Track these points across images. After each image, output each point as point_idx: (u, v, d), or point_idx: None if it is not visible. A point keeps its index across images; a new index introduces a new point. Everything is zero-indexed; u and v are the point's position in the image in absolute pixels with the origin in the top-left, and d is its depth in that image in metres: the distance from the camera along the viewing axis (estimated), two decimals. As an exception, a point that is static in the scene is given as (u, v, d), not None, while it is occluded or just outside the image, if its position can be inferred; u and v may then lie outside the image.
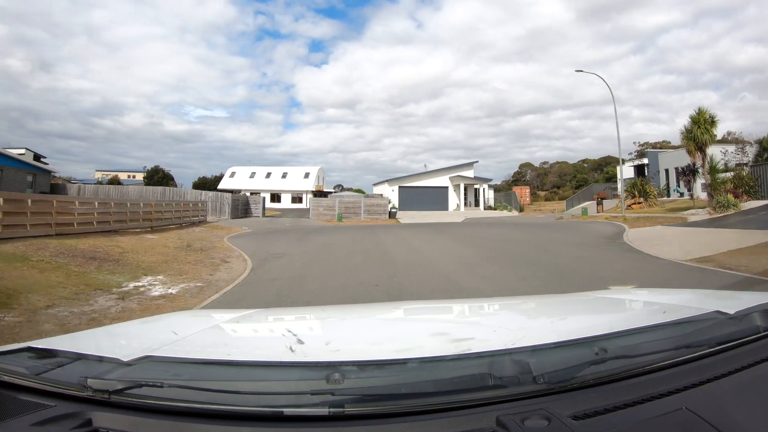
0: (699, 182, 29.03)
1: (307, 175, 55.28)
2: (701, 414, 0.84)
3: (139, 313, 6.06)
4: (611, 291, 2.49)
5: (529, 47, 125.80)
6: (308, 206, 38.06)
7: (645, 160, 43.03)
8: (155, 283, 8.36)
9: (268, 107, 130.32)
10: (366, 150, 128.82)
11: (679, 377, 0.98)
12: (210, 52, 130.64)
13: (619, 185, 43.57)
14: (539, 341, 1.09)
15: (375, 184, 52.81)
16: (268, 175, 56.13)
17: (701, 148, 24.96)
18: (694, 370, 1.01)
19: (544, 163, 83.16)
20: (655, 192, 33.63)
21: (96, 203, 14.19)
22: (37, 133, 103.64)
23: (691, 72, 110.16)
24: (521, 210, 43.46)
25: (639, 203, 31.90)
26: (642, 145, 65.01)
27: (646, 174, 39.15)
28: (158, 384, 0.88)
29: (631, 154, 65.25)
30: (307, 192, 52.04)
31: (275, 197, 53.13)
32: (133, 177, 61.67)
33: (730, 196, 21.44)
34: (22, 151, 41.18)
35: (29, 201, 11.79)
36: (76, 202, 13.34)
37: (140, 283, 8.28)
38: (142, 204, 17.02)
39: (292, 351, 1.15)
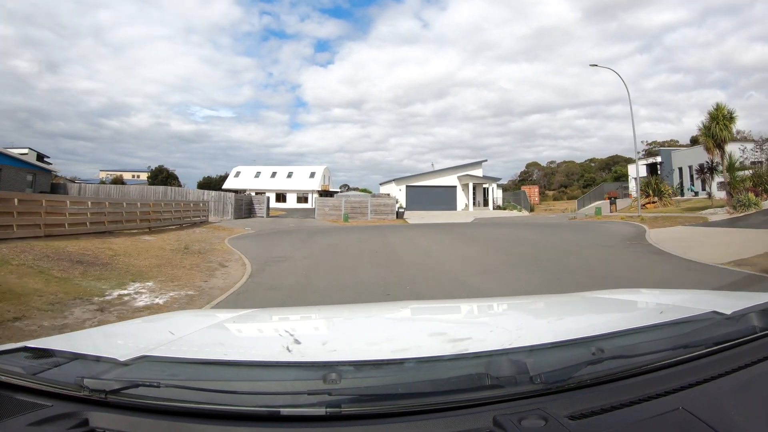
0: (715, 181, 28.33)
1: (312, 175, 54.49)
2: (698, 414, 0.84)
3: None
4: (608, 291, 2.35)
5: (535, 47, 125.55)
6: (314, 206, 37.23)
7: (658, 159, 41.89)
8: (142, 291, 7.57)
9: (274, 107, 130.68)
10: (372, 150, 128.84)
11: (676, 377, 0.98)
12: (216, 52, 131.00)
13: (632, 184, 43.02)
14: (536, 341, 1.08)
15: (382, 184, 51.97)
16: (274, 174, 55.41)
17: (720, 145, 24.15)
18: (691, 371, 1.01)
19: (551, 162, 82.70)
20: (670, 191, 32.76)
21: (89, 203, 13.42)
22: (44, 134, 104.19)
23: (697, 71, 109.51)
24: (531, 210, 42.42)
25: (653, 203, 30.91)
26: (650, 144, 65.08)
27: (659, 173, 38.07)
28: (155, 384, 0.87)
29: (638, 153, 64.46)
30: (312, 192, 51.25)
31: (280, 197, 52.44)
32: (137, 177, 61.28)
33: (751, 195, 20.67)
34: (25, 150, 40.89)
35: (16, 200, 11.05)
36: (67, 202, 12.59)
37: (126, 291, 7.49)
38: (139, 204, 16.24)
39: (289, 351, 1.14)
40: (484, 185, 43.51)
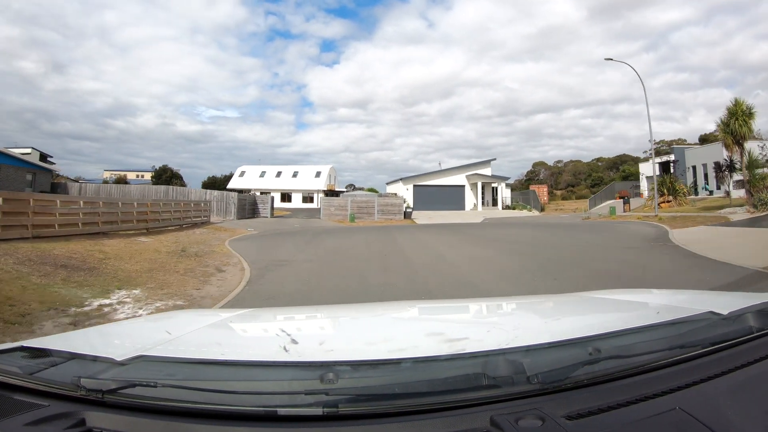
0: (731, 179, 27.49)
1: (318, 174, 53.75)
2: (695, 414, 0.84)
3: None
4: (605, 291, 2.20)
5: (541, 46, 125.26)
6: (319, 206, 36.45)
7: (671, 157, 40.72)
8: (127, 300, 6.81)
9: (280, 107, 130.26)
10: (378, 150, 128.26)
11: (673, 377, 0.97)
12: (221, 52, 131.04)
13: (643, 183, 42.22)
14: (533, 341, 1.09)
15: (388, 183, 51.10)
16: (279, 174, 54.73)
17: (739, 142, 23.29)
18: (687, 371, 1.01)
19: (558, 161, 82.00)
20: (685, 190, 31.83)
21: (81, 202, 12.69)
22: (50, 134, 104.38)
23: (704, 69, 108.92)
24: (542, 210, 41.40)
25: (668, 202, 29.99)
26: (658, 143, 64.49)
27: (672, 171, 37.00)
28: (152, 384, 0.87)
29: (645, 152, 64.39)
30: (318, 191, 50.52)
31: (285, 197, 51.78)
32: (142, 177, 60.81)
33: (773, 193, 19.75)
34: (28, 150, 40.53)
35: (0, 199, 10.33)
36: (57, 201, 11.87)
37: (108, 301, 6.73)
38: (135, 204, 15.50)
39: (287, 351, 1.14)
40: (493, 184, 42.58)
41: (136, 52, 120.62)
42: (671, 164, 38.97)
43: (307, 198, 51.87)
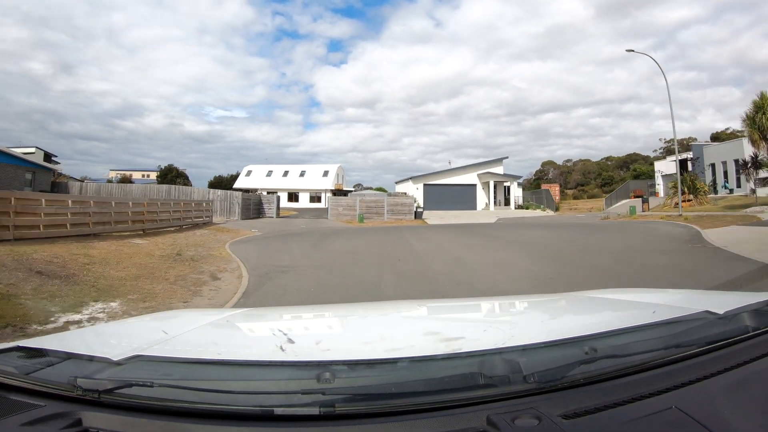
0: (756, 176, 26.33)
1: (326, 174, 52.75)
2: (691, 413, 0.84)
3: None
4: (601, 291, 2.13)
5: (548, 45, 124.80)
6: (327, 206, 35.41)
7: (689, 154, 39.19)
8: (100, 315, 5.81)
9: (288, 107, 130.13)
10: (385, 149, 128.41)
11: (669, 377, 0.97)
12: (228, 53, 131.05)
13: (659, 181, 40.80)
14: (529, 341, 1.08)
15: (398, 182, 49.95)
16: (286, 173, 53.81)
17: (767, 137, 22.12)
18: (683, 370, 1.00)
19: (568, 160, 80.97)
20: (706, 188, 30.54)
21: (69, 202, 11.73)
22: (59, 135, 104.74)
23: (712, 68, 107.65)
24: (556, 209, 40.03)
25: (688, 201, 28.64)
26: (669, 141, 63.69)
27: (690, 169, 35.58)
28: (148, 383, 0.87)
29: (656, 151, 63.80)
30: (325, 191, 49.52)
31: (293, 196, 50.87)
32: (147, 176, 60.24)
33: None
34: (32, 149, 39.91)
35: (-23, 199, 9.40)
36: (43, 200, 10.92)
37: (78, 316, 5.74)
38: (131, 203, 14.51)
39: (283, 350, 1.14)
40: (505, 183, 41.36)
41: (144, 52, 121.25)
42: (689, 162, 37.49)
43: (315, 198, 50.91)
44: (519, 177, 44.89)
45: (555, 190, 53.53)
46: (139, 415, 0.85)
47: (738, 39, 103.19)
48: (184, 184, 43.91)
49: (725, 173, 34.77)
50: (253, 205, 29.17)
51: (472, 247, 12.61)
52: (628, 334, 1.13)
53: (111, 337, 1.47)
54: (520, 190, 44.42)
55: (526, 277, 7.90)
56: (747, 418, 0.84)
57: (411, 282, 7.67)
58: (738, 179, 32.62)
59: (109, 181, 50.60)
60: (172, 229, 16.67)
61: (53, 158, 44.49)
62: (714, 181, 34.92)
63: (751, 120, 22.11)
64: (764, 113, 21.64)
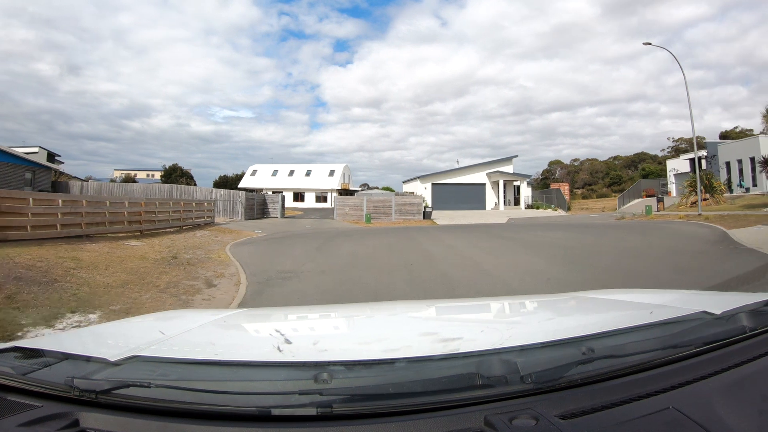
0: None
1: (332, 173, 52.01)
2: (688, 413, 0.84)
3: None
4: (598, 291, 2.11)
5: (555, 44, 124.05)
6: (333, 206, 34.61)
7: (704, 152, 38.10)
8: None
9: (294, 107, 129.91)
10: (391, 149, 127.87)
11: (666, 377, 0.97)
12: (235, 53, 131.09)
13: (671, 180, 39.74)
14: (527, 341, 1.08)
15: (405, 182, 49.11)
16: (291, 173, 53.13)
17: (789, 133, 21.18)
18: (680, 370, 1.00)
19: (575, 160, 79.73)
20: (723, 187, 29.55)
21: (60, 201, 10.97)
22: (67, 136, 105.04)
23: (719, 67, 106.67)
24: (568, 209, 38.99)
25: (705, 199, 27.56)
26: (676, 140, 63.92)
27: (705, 167, 34.53)
28: (145, 384, 0.86)
29: (663, 150, 62.96)
30: (332, 190, 48.80)
31: (298, 196, 50.18)
32: (152, 176, 59.79)
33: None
34: (35, 149, 39.49)
35: (-46, 198, 8.68)
36: (30, 200, 10.18)
37: (50, 330, 5.02)
38: (127, 203, 13.72)
39: (280, 351, 1.13)
40: (515, 183, 40.42)
41: (151, 53, 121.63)
42: (704, 160, 36.43)
43: (321, 197, 50.20)
44: (529, 176, 43.92)
45: (565, 189, 52.49)
46: (137, 415, 0.84)
47: (745, 37, 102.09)
48: (188, 184, 43.28)
49: (740, 171, 33.78)
50: (257, 205, 28.41)
51: (491, 251, 11.75)
52: (626, 334, 1.13)
53: (108, 338, 1.45)
54: (530, 189, 43.46)
55: (559, 287, 7.03)
56: (744, 418, 0.84)
57: (427, 292, 6.84)
58: (754, 177, 31.65)
59: (113, 180, 50.16)
60: (171, 230, 15.91)
61: (57, 158, 44.07)
62: (729, 180, 33.96)
63: (770, 115, 21.14)
64: (789, 108, 20.67)
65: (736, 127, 59.10)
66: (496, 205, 39.36)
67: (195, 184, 47.22)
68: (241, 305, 6.22)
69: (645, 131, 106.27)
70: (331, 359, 1.04)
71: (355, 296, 6.67)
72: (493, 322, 1.76)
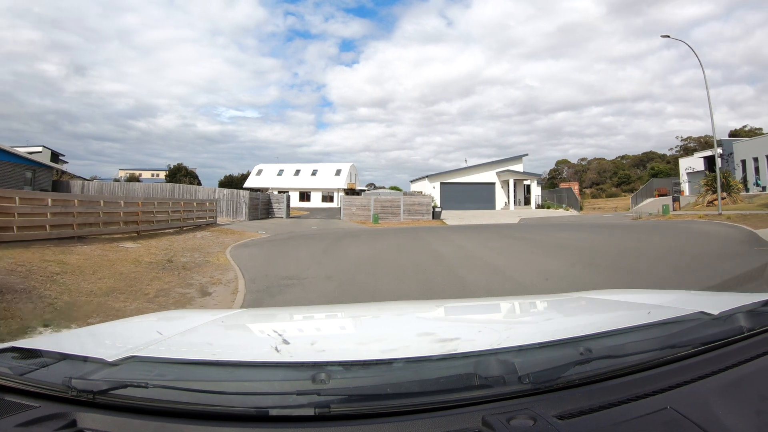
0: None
1: (338, 173, 51.29)
2: (686, 413, 0.83)
3: None
4: (597, 292, 2.09)
5: (560, 43, 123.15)
6: (339, 205, 33.89)
7: (719, 150, 36.99)
8: (38, 351, 4.32)
9: (300, 107, 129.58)
10: (398, 149, 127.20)
11: (664, 377, 0.96)
12: (241, 53, 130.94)
13: (684, 178, 38.68)
14: (525, 341, 1.07)
15: (413, 181, 48.31)
16: (297, 172, 52.47)
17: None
18: (678, 370, 0.99)
19: (582, 159, 78.63)
20: (740, 186, 28.59)
21: (49, 201, 10.31)
22: (73, 136, 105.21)
23: (725, 66, 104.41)
24: (581, 209, 38.03)
25: (721, 198, 26.59)
26: (685, 139, 63.36)
27: (720, 165, 33.51)
28: (143, 384, 0.86)
29: (671, 149, 62.28)
30: (338, 190, 48.10)
31: (304, 196, 49.52)
32: (157, 175, 59.40)
33: None
34: (39, 149, 39.16)
35: (-68, 197, 8.02)
36: (17, 199, 9.52)
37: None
38: (122, 203, 13.05)
39: (278, 351, 1.11)
40: (525, 182, 39.52)
41: (156, 54, 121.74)
42: (720, 158, 35.43)
43: (327, 197, 49.51)
44: (539, 175, 43.04)
45: (575, 189, 51.46)
46: (134, 415, 0.84)
47: (751, 36, 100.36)
48: (192, 183, 42.73)
49: (756, 169, 32.78)
50: (262, 205, 27.73)
51: (507, 253, 10.96)
52: (624, 334, 1.12)
53: (105, 338, 1.42)
54: (539, 188, 42.57)
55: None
56: (742, 418, 0.84)
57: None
58: (771, 176, 30.76)
59: (116, 180, 49.71)
60: (170, 230, 15.24)
61: (61, 157, 43.72)
62: (744, 178, 32.96)
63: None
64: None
65: (745, 126, 58.39)
66: (506, 204, 38.50)
67: (199, 184, 46.67)
68: (236, 318, 5.51)
69: (651, 130, 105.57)
70: (329, 359, 1.02)
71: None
72: (491, 322, 1.73)
